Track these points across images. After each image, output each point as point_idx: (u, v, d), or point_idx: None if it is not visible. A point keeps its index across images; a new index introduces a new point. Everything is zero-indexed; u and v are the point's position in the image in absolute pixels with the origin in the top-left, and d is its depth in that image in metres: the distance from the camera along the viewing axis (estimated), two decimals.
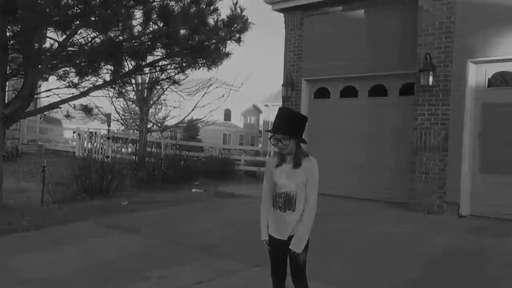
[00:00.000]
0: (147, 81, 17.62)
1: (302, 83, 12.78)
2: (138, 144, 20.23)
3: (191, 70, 11.17)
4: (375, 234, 7.91)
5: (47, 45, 9.72)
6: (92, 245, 6.88)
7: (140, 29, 9.76)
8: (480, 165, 9.71)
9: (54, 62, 9.46)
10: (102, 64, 9.93)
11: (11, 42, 9.27)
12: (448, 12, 9.77)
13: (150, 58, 10.63)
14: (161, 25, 9.59)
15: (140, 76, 17.03)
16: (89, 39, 9.54)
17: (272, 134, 3.62)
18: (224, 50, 10.76)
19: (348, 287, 5.18)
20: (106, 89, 11.03)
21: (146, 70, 11.83)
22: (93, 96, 10.63)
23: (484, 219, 9.29)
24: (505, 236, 8.01)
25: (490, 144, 9.61)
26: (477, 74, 9.77)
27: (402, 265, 6.12)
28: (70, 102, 9.96)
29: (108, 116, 24.68)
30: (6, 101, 9.29)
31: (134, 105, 22.82)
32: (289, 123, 3.62)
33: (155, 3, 9.57)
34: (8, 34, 9.03)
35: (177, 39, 9.80)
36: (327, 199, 10.67)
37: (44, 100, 16.44)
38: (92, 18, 8.63)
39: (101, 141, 21.93)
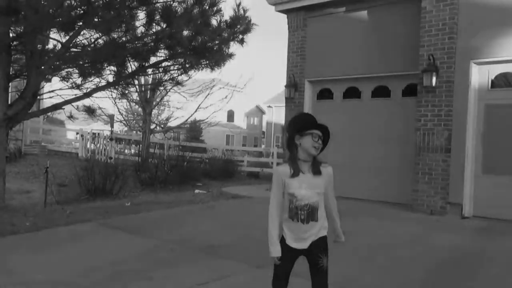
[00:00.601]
0: (150, 82, 17.69)
1: (305, 84, 12.78)
2: (141, 145, 20.31)
3: (194, 71, 11.18)
4: (377, 235, 7.90)
5: (50, 46, 9.76)
6: (95, 246, 6.89)
7: (143, 30, 9.76)
8: (483, 166, 9.70)
9: (57, 63, 9.47)
10: (105, 65, 9.95)
11: (14, 43, 9.29)
12: (451, 13, 9.76)
13: (153, 59, 10.63)
14: (164, 26, 9.59)
15: (143, 77, 17.11)
16: (92, 40, 9.54)
17: (308, 131, 3.40)
18: (227, 51, 10.76)
19: (348, 286, 5.18)
20: (109, 90, 11.06)
21: (149, 71, 11.85)
22: (96, 97, 10.68)
23: (487, 220, 9.28)
24: (508, 237, 7.99)
25: (493, 145, 9.59)
26: (480, 75, 9.76)
27: (405, 265, 6.11)
28: (73, 103, 9.97)
29: (111, 117, 24.73)
30: (9, 102, 9.30)
31: (137, 106, 22.92)
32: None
33: (158, 4, 9.57)
34: (11, 35, 9.05)
35: (180, 40, 9.80)
36: None
37: (47, 101, 16.49)
38: (95, 19, 8.64)
39: (104, 142, 21.98)
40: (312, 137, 3.39)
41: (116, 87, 10.73)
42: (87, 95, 9.99)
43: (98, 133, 22.79)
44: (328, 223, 3.56)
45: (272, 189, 3.53)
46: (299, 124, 3.48)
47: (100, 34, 9.24)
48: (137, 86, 18.38)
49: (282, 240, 3.48)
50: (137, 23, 9.68)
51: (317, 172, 3.43)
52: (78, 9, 8.49)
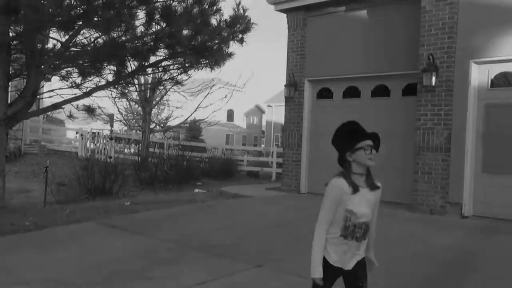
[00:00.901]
0: (150, 81, 17.68)
1: (305, 84, 12.78)
2: (140, 144, 20.29)
3: (194, 70, 11.17)
4: (377, 234, 7.89)
5: (50, 45, 9.75)
6: (94, 245, 6.88)
7: (143, 30, 9.76)
8: (483, 166, 9.70)
9: (57, 62, 9.47)
10: (105, 64, 9.94)
11: (14, 42, 9.28)
12: (451, 12, 9.76)
13: (153, 59, 10.63)
14: (164, 25, 9.59)
15: (143, 76, 17.09)
16: (92, 39, 9.55)
17: (358, 145, 3.15)
18: (227, 50, 10.75)
19: None
20: (109, 89, 11.05)
21: (149, 70, 11.85)
22: (96, 97, 10.66)
23: (486, 219, 9.28)
24: (507, 237, 7.99)
25: (492, 144, 9.60)
26: (480, 75, 9.76)
27: (404, 265, 6.11)
28: (73, 103, 9.97)
29: (111, 116, 24.73)
30: (9, 102, 9.30)
31: (137, 106, 22.91)
32: None
33: (158, 4, 9.57)
34: (11, 34, 9.04)
35: (180, 40, 9.80)
36: None
37: (47, 101, 16.48)
38: (95, 19, 8.63)
39: (104, 141, 21.98)
40: (364, 151, 3.15)
41: (116, 86, 10.73)
42: (87, 94, 9.99)
43: (98, 133, 22.79)
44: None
45: (325, 205, 3.18)
46: (347, 139, 3.23)
47: (100, 33, 9.24)
48: (136, 86, 18.37)
49: (325, 260, 3.19)
50: (137, 23, 9.69)
51: (375, 187, 3.23)
52: (78, 8, 8.49)
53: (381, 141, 3.29)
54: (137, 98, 20.34)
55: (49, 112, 21.27)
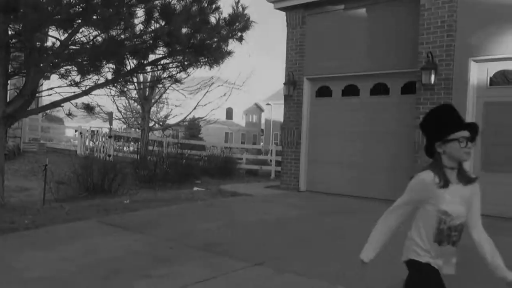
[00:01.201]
0: (148, 79, 17.68)
1: (304, 82, 12.79)
2: (139, 142, 20.31)
3: (193, 68, 11.17)
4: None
5: (49, 43, 9.73)
6: (93, 243, 6.88)
7: (142, 28, 9.75)
8: (483, 164, 9.71)
9: (56, 60, 9.45)
10: (104, 62, 9.92)
11: (13, 40, 9.28)
12: (450, 10, 9.77)
13: (152, 57, 10.61)
14: (163, 23, 9.58)
15: (141, 74, 17.08)
16: (91, 37, 9.53)
17: (452, 136, 2.78)
18: (225, 48, 10.74)
19: (349, 285, 5.18)
20: (108, 87, 11.03)
21: (148, 68, 11.83)
22: (95, 95, 10.63)
23: (485, 218, 9.23)
24: (506, 236, 7.99)
25: (492, 143, 9.60)
26: (479, 73, 9.77)
27: (400, 263, 6.11)
28: (72, 101, 9.97)
29: (110, 114, 24.73)
30: (8, 100, 9.30)
31: (136, 104, 22.91)
32: None
33: (156, 2, 9.56)
34: (10, 32, 9.04)
35: (179, 38, 9.79)
36: (327, 198, 10.66)
37: (46, 99, 16.44)
38: (94, 17, 8.63)
39: (103, 139, 21.99)
40: (458, 143, 2.75)
41: (115, 84, 10.71)
42: (86, 92, 9.98)
43: (97, 131, 22.83)
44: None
45: (402, 199, 3.03)
46: (439, 127, 2.85)
47: (99, 31, 9.22)
48: (135, 84, 18.34)
49: (422, 262, 2.98)
50: (136, 21, 9.67)
51: (470, 181, 2.81)
52: (77, 6, 8.48)
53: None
54: (136, 96, 20.37)
55: (48, 110, 21.24)
